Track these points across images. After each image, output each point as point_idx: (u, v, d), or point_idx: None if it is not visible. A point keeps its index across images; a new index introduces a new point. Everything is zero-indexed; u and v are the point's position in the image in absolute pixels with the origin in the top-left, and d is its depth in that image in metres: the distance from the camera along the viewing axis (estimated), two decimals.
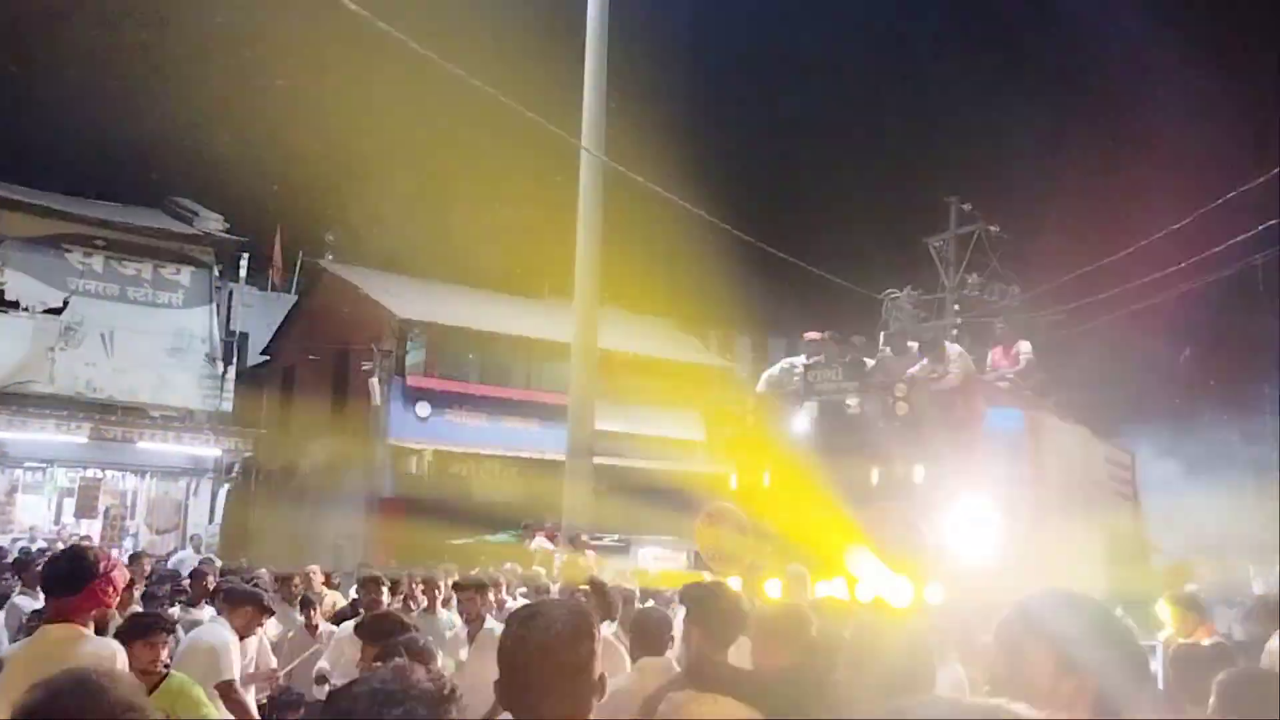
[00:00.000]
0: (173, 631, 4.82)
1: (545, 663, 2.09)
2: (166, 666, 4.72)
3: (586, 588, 6.50)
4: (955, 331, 12.03)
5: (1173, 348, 11.37)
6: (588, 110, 15.00)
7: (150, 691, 4.58)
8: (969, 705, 1.05)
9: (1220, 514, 13.93)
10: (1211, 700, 3.25)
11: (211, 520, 23.13)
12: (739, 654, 3.98)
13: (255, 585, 7.07)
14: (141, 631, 4.68)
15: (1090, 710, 1.83)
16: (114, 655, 3.74)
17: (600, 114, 15.03)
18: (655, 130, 15.68)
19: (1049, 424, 9.44)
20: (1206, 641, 5.52)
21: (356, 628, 5.03)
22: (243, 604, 6.02)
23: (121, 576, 3.95)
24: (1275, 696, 3.21)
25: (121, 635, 4.77)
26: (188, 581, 9.88)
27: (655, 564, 15.53)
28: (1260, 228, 11.02)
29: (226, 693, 5.49)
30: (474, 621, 6.39)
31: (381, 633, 4.50)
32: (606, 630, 5.80)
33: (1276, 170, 9.69)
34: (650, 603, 8.49)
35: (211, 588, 8.39)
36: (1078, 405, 10.55)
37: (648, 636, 4.62)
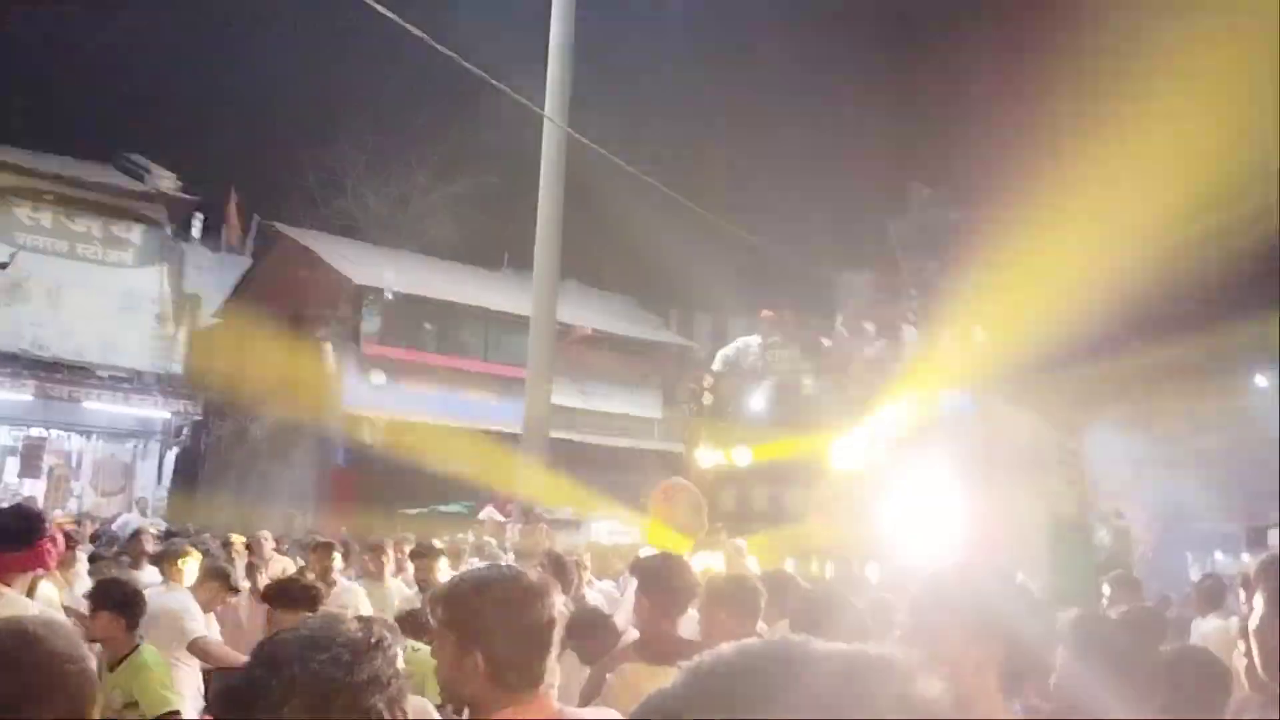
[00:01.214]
0: (143, 613, 4.75)
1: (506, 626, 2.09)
2: (137, 640, 4.68)
3: (543, 560, 6.48)
4: (912, 315, 12.13)
5: (1126, 336, 11.54)
6: (551, 79, 14.85)
7: (117, 664, 4.53)
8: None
9: (1165, 500, 14.25)
10: (1152, 676, 3.30)
11: (160, 483, 22.80)
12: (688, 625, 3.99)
13: (206, 551, 6.99)
14: (115, 603, 4.63)
15: (998, 679, 1.89)
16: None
17: (564, 83, 14.88)
18: (621, 106, 15.61)
19: (1000, 408, 9.57)
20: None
21: (264, 593, 4.77)
22: (209, 579, 5.97)
23: (59, 538, 3.91)
24: (1215, 675, 3.30)
25: (92, 600, 4.73)
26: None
27: (609, 539, 15.58)
28: (1227, 216, 11.18)
29: (204, 648, 5.52)
30: (429, 590, 6.36)
31: (287, 597, 4.27)
32: (560, 603, 5.78)
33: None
34: (602, 581, 8.53)
35: (150, 550, 8.26)
36: (1030, 390, 10.70)
37: (596, 637, 4.58)
